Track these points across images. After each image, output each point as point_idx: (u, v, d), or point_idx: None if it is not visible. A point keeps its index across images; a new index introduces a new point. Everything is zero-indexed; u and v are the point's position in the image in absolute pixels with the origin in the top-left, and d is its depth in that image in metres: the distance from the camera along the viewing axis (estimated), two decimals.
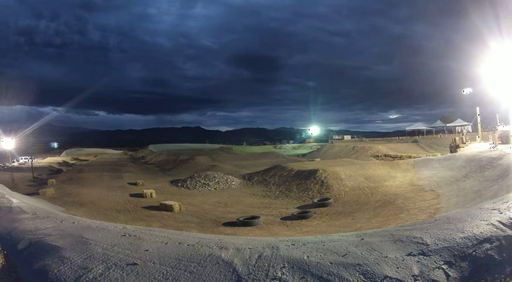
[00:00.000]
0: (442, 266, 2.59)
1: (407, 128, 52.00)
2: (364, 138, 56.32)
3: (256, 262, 2.92)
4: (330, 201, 12.91)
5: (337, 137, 59.02)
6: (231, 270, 2.81)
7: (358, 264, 2.66)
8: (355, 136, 64.45)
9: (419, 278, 2.45)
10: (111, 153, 65.89)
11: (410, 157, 23.16)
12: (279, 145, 67.40)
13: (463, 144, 20.26)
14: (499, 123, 20.45)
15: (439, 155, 20.38)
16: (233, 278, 2.69)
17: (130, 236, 4.20)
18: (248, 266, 2.85)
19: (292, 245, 3.38)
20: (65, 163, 39.74)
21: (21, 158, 37.70)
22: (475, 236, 2.97)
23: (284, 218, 11.35)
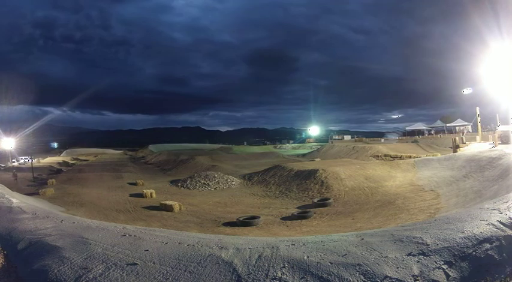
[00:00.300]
0: (442, 266, 2.59)
1: (407, 128, 51.97)
2: (364, 138, 56.29)
3: (256, 262, 2.92)
4: (330, 201, 12.90)
5: (337, 137, 58.99)
6: (231, 270, 2.81)
7: (358, 264, 2.66)
8: (355, 136, 64.45)
9: (419, 278, 2.45)
10: (111, 153, 65.93)
11: (410, 157, 23.17)
12: (279, 145, 67.43)
13: (463, 144, 20.26)
14: (499, 124, 20.44)
15: (439, 155, 20.38)
16: (233, 278, 2.69)
17: (130, 236, 4.19)
18: (248, 266, 2.85)
19: (292, 245, 3.38)
20: (65, 163, 39.73)
21: (21, 158, 37.71)
22: (475, 236, 2.97)
23: (284, 218, 11.35)
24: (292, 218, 11.24)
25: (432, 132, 46.16)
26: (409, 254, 2.81)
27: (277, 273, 2.67)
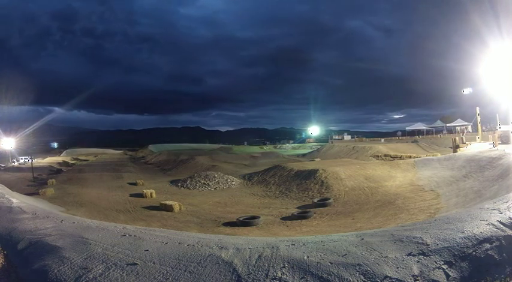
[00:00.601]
0: (442, 266, 2.59)
1: (407, 128, 51.99)
2: (364, 138, 56.26)
3: (256, 262, 2.92)
4: (330, 201, 12.90)
5: (337, 137, 58.98)
6: (231, 270, 2.81)
7: (358, 264, 2.66)
8: (355, 136, 64.45)
9: (419, 278, 2.45)
10: (111, 153, 65.94)
11: (410, 157, 23.16)
12: (279, 145, 67.48)
13: (463, 144, 20.26)
14: (499, 124, 20.43)
15: (439, 155, 20.38)
16: (233, 278, 2.69)
17: (130, 236, 4.20)
18: (248, 266, 2.85)
19: (292, 245, 3.38)
20: (65, 163, 39.73)
21: (21, 158, 37.73)
22: (475, 236, 2.97)
23: (284, 218, 11.35)
24: (292, 218, 11.24)
25: (433, 132, 46.18)
26: (409, 254, 2.81)
27: (277, 273, 2.67)
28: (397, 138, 48.76)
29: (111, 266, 3.04)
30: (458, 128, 42.41)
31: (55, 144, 76.42)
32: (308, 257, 2.91)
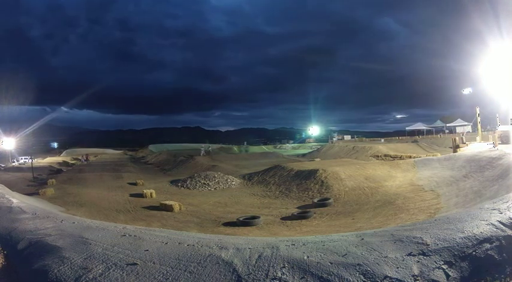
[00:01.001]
0: (442, 266, 2.59)
1: (407, 128, 52.03)
2: (364, 138, 56.24)
3: (256, 262, 2.92)
4: (330, 201, 12.90)
5: (336, 137, 58.96)
6: (231, 270, 2.81)
7: (358, 264, 2.66)
8: (355, 136, 64.45)
9: (419, 278, 2.45)
10: (111, 153, 66.03)
11: (410, 157, 23.17)
12: (279, 145, 67.53)
13: (463, 144, 20.26)
14: (499, 123, 20.44)
15: (439, 155, 20.38)
16: (233, 278, 2.69)
17: (130, 236, 4.20)
18: (248, 266, 2.85)
19: (292, 245, 3.38)
20: (65, 163, 39.75)
21: (21, 158, 37.75)
22: (475, 236, 2.97)
23: (284, 218, 11.35)
24: (292, 218, 11.24)
25: (433, 132, 46.19)
26: (409, 254, 2.81)
27: (277, 273, 2.67)
28: (397, 138, 48.69)
29: (111, 266, 3.04)
30: (458, 129, 42.45)
31: (55, 144, 76.38)
32: (308, 257, 2.91)
